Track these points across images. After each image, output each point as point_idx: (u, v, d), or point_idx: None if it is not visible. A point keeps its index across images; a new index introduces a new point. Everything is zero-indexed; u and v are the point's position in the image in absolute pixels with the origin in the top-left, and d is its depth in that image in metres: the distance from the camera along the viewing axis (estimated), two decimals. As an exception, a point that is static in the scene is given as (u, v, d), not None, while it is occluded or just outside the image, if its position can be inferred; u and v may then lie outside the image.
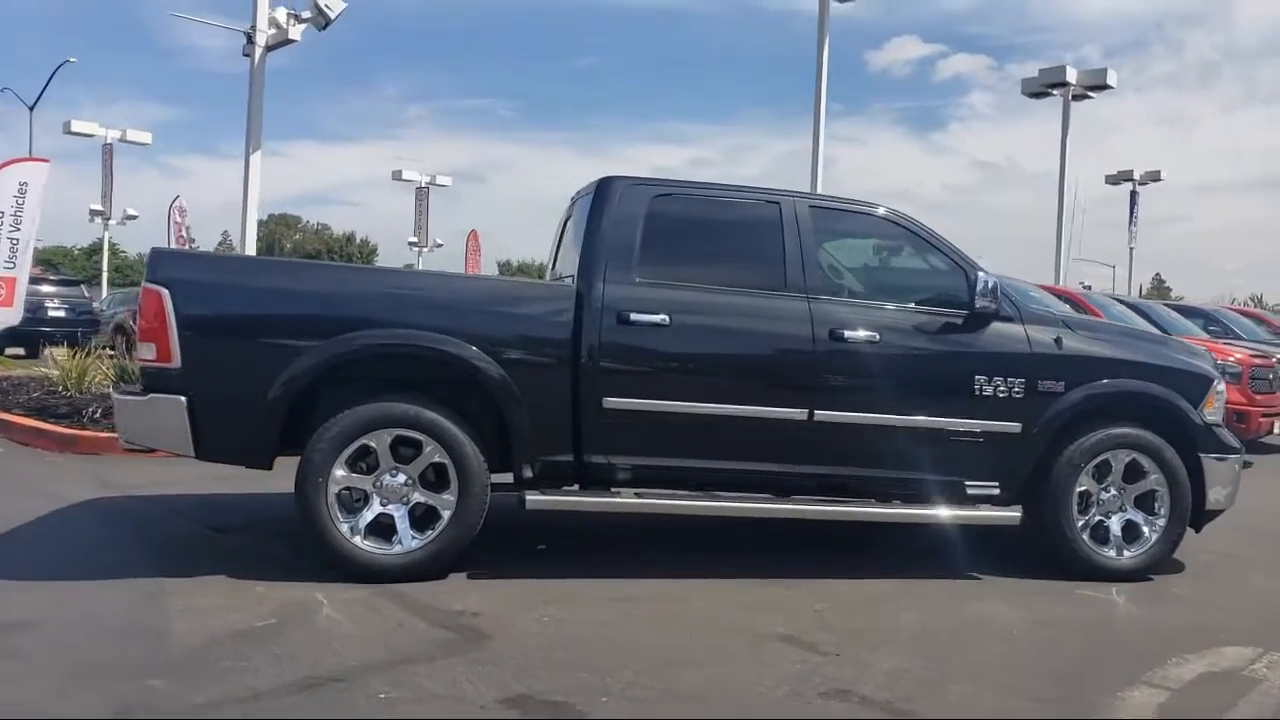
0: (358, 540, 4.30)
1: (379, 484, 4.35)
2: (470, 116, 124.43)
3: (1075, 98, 19.76)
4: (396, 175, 32.58)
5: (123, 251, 56.22)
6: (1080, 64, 19.75)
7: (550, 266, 5.70)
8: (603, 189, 4.68)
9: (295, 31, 8.46)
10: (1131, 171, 30.52)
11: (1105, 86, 19.64)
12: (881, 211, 4.96)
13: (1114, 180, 30.99)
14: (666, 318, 4.49)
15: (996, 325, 4.81)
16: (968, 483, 4.84)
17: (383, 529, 4.35)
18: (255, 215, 8.64)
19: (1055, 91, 19.78)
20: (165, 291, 4.18)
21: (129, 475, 6.76)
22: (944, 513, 4.77)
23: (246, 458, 4.40)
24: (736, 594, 4.38)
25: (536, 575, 4.52)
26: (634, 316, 4.47)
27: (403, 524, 4.36)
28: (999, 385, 4.74)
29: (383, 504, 4.35)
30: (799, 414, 4.60)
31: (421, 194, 33.11)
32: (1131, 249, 31.25)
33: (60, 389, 10.41)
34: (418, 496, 4.38)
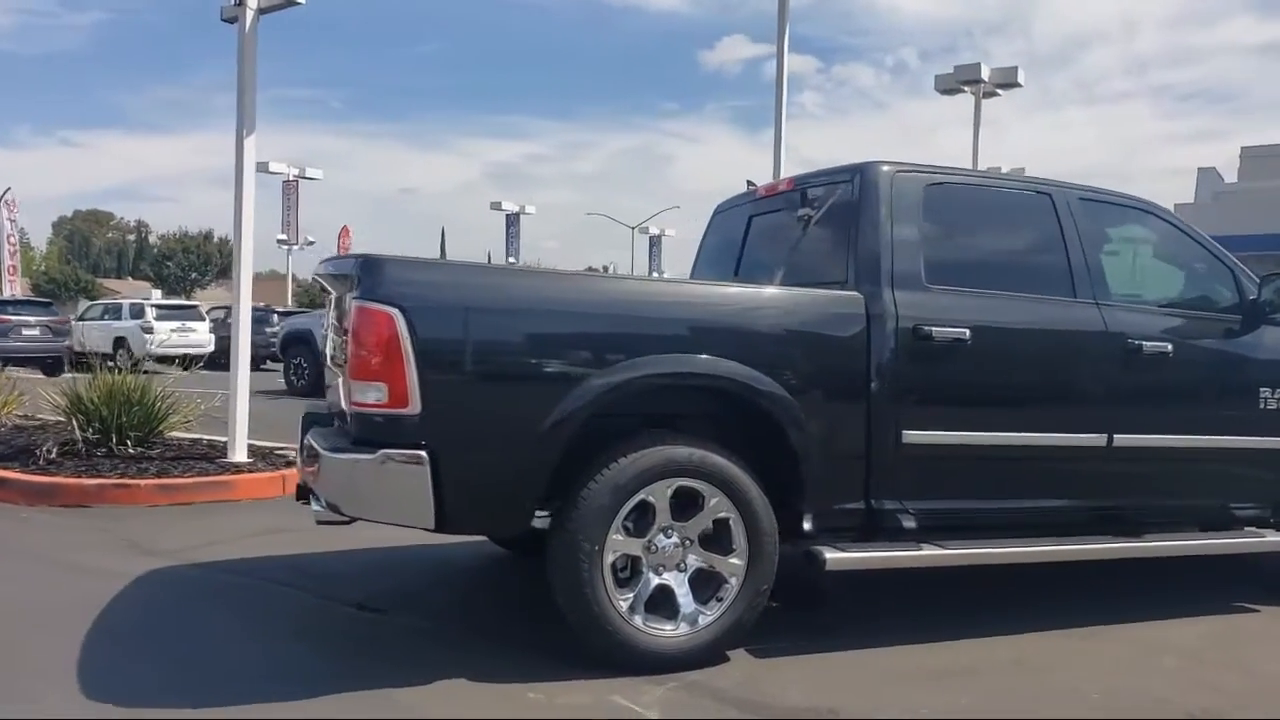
0: (638, 621, 3.40)
1: (652, 547, 3.47)
2: (296, 107, 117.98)
3: (986, 95, 20.27)
4: (263, 167, 30.02)
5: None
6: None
7: (732, 274, 4.83)
8: (868, 177, 3.92)
9: (299, -9, 7.17)
10: (999, 169, 31.92)
11: (1015, 85, 20.22)
12: (1146, 205, 4.46)
13: (982, 176, 32.36)
14: (967, 331, 3.80)
15: (1270, 330, 4.39)
16: (1235, 506, 4.42)
17: (655, 605, 3.47)
18: (251, 212, 7.28)
19: (968, 88, 20.22)
20: (397, 314, 3.13)
21: (157, 534, 5.48)
22: (1243, 541, 4.31)
23: (500, 524, 3.42)
24: (1074, 653, 3.74)
25: (819, 647, 3.71)
26: (935, 331, 3.76)
27: (685, 596, 3.49)
28: (1281, 396, 4.32)
29: (656, 572, 3.47)
30: (1099, 439, 4.03)
31: (290, 187, 30.78)
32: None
33: (-42, 424, 8.72)
34: (694, 560, 3.52)
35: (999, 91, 20.45)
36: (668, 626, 3.44)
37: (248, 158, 7.30)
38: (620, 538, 3.38)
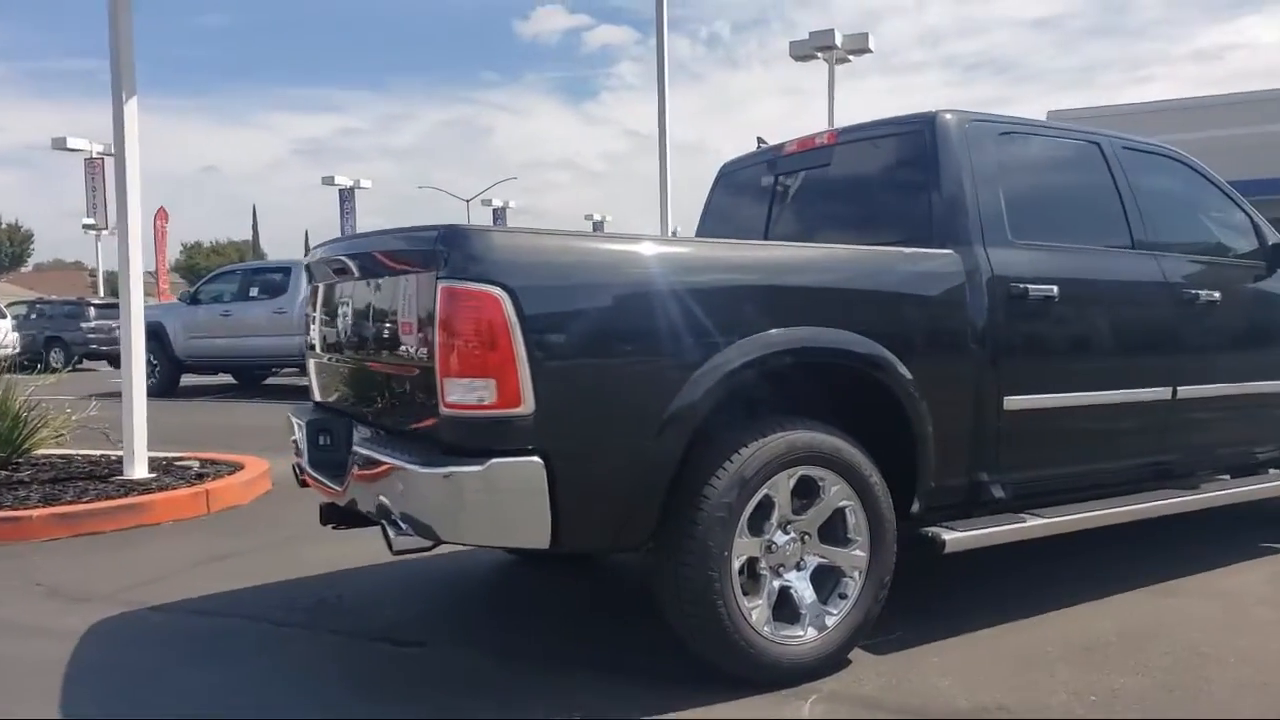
0: (768, 630, 3.01)
1: (771, 546, 3.07)
2: (71, 79, 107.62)
3: (838, 61, 20.63)
4: (59, 144, 26.99)
5: None
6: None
7: (759, 236, 4.45)
8: (943, 126, 3.62)
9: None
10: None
11: (866, 50, 20.67)
12: (1174, 153, 4.39)
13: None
14: (1055, 288, 3.59)
15: (1288, 274, 4.45)
16: (1259, 450, 4.49)
17: (776, 610, 3.09)
18: (138, 190, 6.24)
19: (821, 55, 20.49)
20: (504, 295, 2.57)
21: (75, 574, 4.63)
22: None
23: (621, 536, 2.89)
24: (1172, 613, 3.64)
25: (928, 634, 3.43)
26: (1031, 288, 3.52)
27: (808, 597, 3.12)
28: (1305, 339, 4.39)
29: (776, 574, 3.09)
30: (1165, 393, 3.94)
31: (93, 166, 27.78)
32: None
33: None
34: (813, 557, 3.16)
35: (850, 57, 20.87)
36: (796, 632, 3.06)
37: (129, 128, 6.25)
38: (745, 539, 2.97)
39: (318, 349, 3.94)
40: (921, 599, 3.87)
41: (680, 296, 2.84)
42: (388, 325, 3.02)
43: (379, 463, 2.81)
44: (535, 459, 2.61)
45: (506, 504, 2.62)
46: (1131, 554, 4.39)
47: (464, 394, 2.60)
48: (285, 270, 13.72)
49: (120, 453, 6.53)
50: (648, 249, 2.90)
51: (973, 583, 4.06)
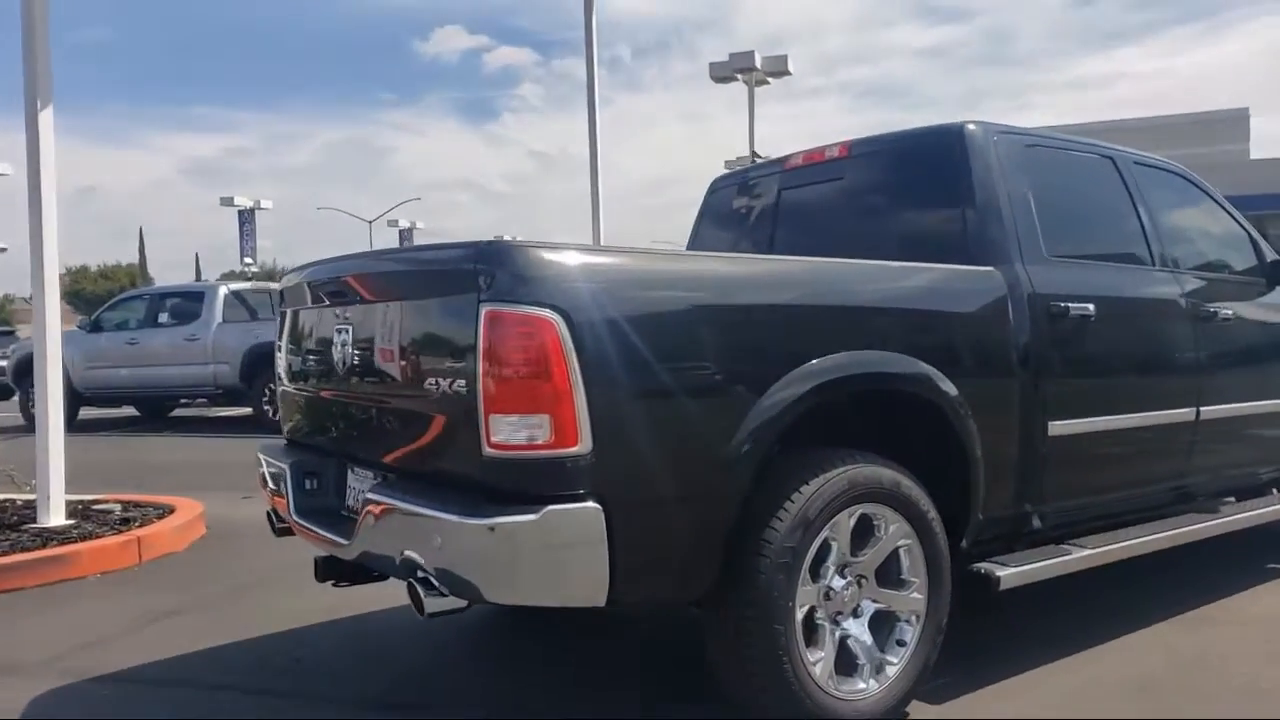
0: (831, 685, 2.73)
1: (829, 593, 2.80)
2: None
3: (758, 83, 20.75)
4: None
5: None
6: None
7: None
8: (973, 138, 3.43)
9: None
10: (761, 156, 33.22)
11: (785, 73, 20.84)
12: (1179, 169, 4.32)
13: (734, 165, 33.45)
14: (1091, 306, 3.44)
15: (1287, 291, 4.43)
16: (1264, 470, 4.43)
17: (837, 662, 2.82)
18: (54, 206, 5.61)
19: (741, 76, 20.59)
20: (559, 321, 2.24)
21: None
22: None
23: (678, 591, 2.57)
24: (1213, 643, 3.50)
25: (979, 676, 3.22)
26: (1072, 307, 3.36)
27: (867, 645, 2.85)
28: (1310, 357, 4.36)
29: (834, 622, 2.81)
30: (1190, 414, 3.83)
31: (-29, 186, 25.97)
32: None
33: None
34: (870, 602, 2.90)
35: (769, 80, 21.02)
36: (858, 685, 2.79)
37: (45, 140, 5.61)
38: (807, 587, 2.69)
39: (287, 381, 3.52)
40: (956, 637, 3.66)
41: (749, 319, 2.57)
42: (406, 354, 2.65)
43: (405, 512, 2.43)
44: (593, 505, 2.28)
45: (561, 558, 2.28)
46: (1154, 582, 4.24)
47: (512, 432, 2.25)
48: (198, 295, 12.93)
49: (28, 496, 5.90)
50: (711, 266, 2.62)
51: (1004, 617, 3.86)
